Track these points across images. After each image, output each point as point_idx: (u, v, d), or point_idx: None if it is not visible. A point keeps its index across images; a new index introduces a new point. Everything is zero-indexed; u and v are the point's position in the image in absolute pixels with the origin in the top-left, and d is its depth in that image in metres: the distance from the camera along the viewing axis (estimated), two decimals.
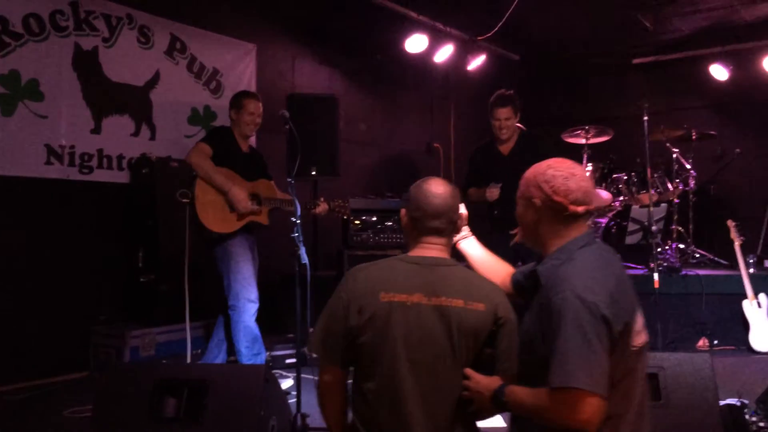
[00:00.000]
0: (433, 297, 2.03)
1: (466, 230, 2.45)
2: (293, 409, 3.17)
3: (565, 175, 2.00)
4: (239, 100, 4.48)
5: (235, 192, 4.20)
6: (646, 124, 4.51)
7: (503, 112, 4.79)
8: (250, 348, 4.24)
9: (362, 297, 2.06)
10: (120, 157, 4.97)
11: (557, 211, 1.99)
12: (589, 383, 1.71)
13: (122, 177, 4.99)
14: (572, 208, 1.97)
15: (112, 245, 4.96)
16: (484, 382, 1.98)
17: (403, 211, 2.24)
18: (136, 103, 5.09)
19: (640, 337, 1.92)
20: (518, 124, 4.95)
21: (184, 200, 4.12)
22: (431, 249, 2.16)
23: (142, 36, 5.11)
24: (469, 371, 2.02)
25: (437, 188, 2.17)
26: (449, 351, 2.01)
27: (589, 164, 6.14)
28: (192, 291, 4.98)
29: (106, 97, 4.91)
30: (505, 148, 4.94)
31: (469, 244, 2.46)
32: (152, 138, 5.19)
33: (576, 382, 1.71)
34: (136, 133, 5.10)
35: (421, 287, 2.05)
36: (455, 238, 2.37)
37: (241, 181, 4.29)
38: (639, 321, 1.94)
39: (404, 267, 2.12)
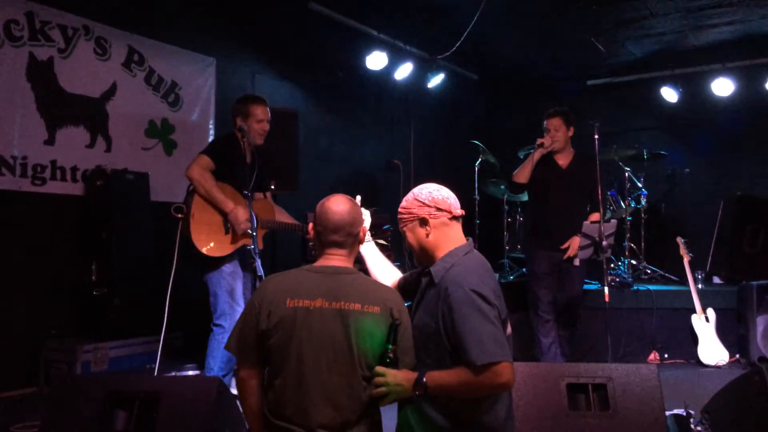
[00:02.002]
0: (334, 302, 2.30)
1: (367, 236, 2.78)
2: None
3: (436, 189, 2.47)
4: (246, 106, 4.22)
5: (238, 213, 4.01)
6: (597, 142, 4.64)
7: (552, 122, 4.98)
8: (223, 369, 4.14)
9: (271, 303, 2.32)
10: (74, 169, 4.90)
11: (446, 215, 2.43)
12: (503, 355, 2.15)
13: (76, 189, 4.90)
14: (455, 212, 2.44)
15: (65, 258, 4.86)
16: (400, 375, 2.27)
17: (310, 225, 2.51)
18: (91, 114, 5.02)
19: (508, 328, 2.37)
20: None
21: (179, 215, 3.97)
22: (333, 259, 2.43)
23: (98, 47, 5.06)
24: (382, 369, 2.27)
25: (337, 206, 2.44)
26: (348, 350, 2.27)
27: None
28: (148, 304, 4.93)
29: (60, 108, 4.83)
30: (563, 162, 5.07)
31: (368, 249, 2.82)
32: (108, 150, 5.12)
33: (496, 357, 2.13)
34: (91, 145, 5.02)
35: (323, 293, 2.31)
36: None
37: (241, 199, 4.06)
38: (506, 314, 2.37)
39: (308, 276, 2.39)
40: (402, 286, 2.69)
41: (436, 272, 2.36)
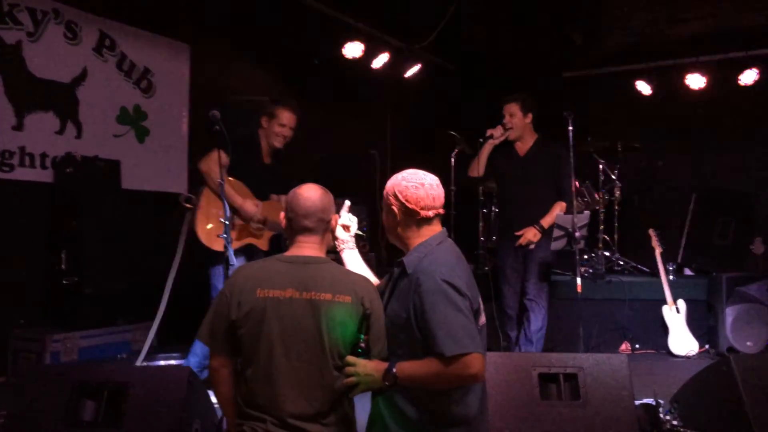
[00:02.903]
0: (305, 292, 2.29)
1: (351, 242, 2.76)
2: (220, 412, 3.13)
3: (416, 185, 2.38)
4: (273, 107, 4.33)
5: (248, 206, 4.05)
6: (570, 134, 4.64)
7: (507, 108, 4.84)
8: (208, 357, 4.14)
9: (241, 293, 2.31)
10: (43, 156, 4.80)
11: (412, 216, 2.38)
12: (473, 346, 2.13)
13: (46, 176, 4.81)
14: (423, 213, 2.37)
15: (34, 246, 4.77)
16: (370, 365, 2.26)
17: (282, 214, 2.52)
18: (61, 100, 4.93)
19: (482, 318, 2.36)
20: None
21: (188, 205, 3.97)
22: (304, 248, 2.42)
23: (69, 31, 4.96)
24: (352, 358, 2.27)
25: (308, 192, 2.45)
26: (319, 340, 2.26)
27: None
28: (119, 294, 4.88)
29: (29, 93, 4.74)
30: (521, 149, 4.93)
31: (349, 255, 2.75)
32: (78, 136, 5.03)
33: (465, 348, 2.11)
34: (61, 131, 4.93)
35: (294, 283, 2.31)
36: (339, 246, 2.73)
37: (251, 197, 4.14)
38: (481, 305, 2.36)
39: (279, 266, 2.38)
40: (381, 292, 2.63)
41: (409, 262, 2.34)
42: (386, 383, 2.21)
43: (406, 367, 2.21)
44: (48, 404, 2.78)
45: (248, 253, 4.22)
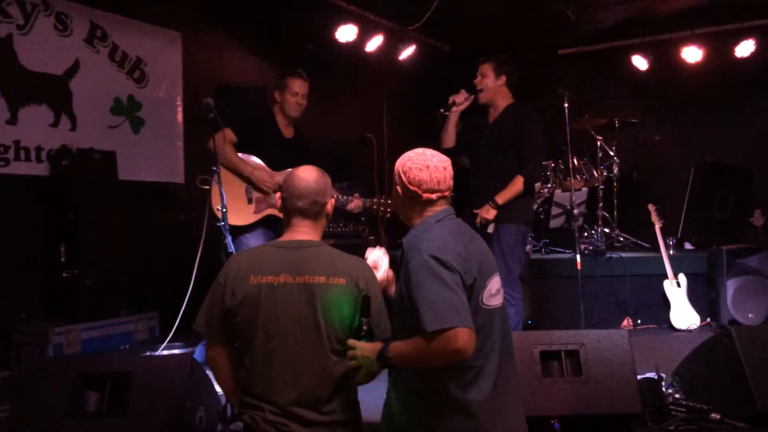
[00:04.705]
0: (298, 276, 2.28)
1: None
2: (224, 399, 3.14)
3: (419, 167, 2.33)
4: (283, 79, 4.30)
5: (259, 174, 4.05)
6: (566, 111, 4.61)
7: (480, 69, 4.44)
8: None
9: (235, 281, 2.30)
10: (39, 149, 4.78)
11: (414, 197, 2.34)
12: (457, 320, 2.04)
13: (41, 169, 4.78)
14: (426, 195, 2.33)
15: (32, 240, 4.77)
16: (368, 347, 2.21)
17: (277, 194, 2.50)
18: (54, 92, 4.90)
19: (495, 300, 2.27)
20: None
21: (204, 187, 3.93)
22: (297, 232, 2.40)
23: (59, 23, 4.92)
24: (352, 342, 2.23)
25: (304, 173, 2.43)
26: (315, 324, 2.24)
27: None
28: (119, 284, 4.88)
29: (22, 86, 4.70)
30: (492, 116, 4.48)
31: None
32: (73, 129, 5.00)
33: (449, 323, 2.03)
34: (55, 124, 4.90)
35: (287, 269, 2.29)
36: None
37: (266, 169, 4.13)
38: (493, 285, 2.28)
39: (272, 251, 2.37)
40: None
41: (406, 242, 2.31)
42: (381, 365, 2.18)
43: (398, 347, 2.17)
44: (51, 396, 2.79)
45: (270, 223, 4.18)
